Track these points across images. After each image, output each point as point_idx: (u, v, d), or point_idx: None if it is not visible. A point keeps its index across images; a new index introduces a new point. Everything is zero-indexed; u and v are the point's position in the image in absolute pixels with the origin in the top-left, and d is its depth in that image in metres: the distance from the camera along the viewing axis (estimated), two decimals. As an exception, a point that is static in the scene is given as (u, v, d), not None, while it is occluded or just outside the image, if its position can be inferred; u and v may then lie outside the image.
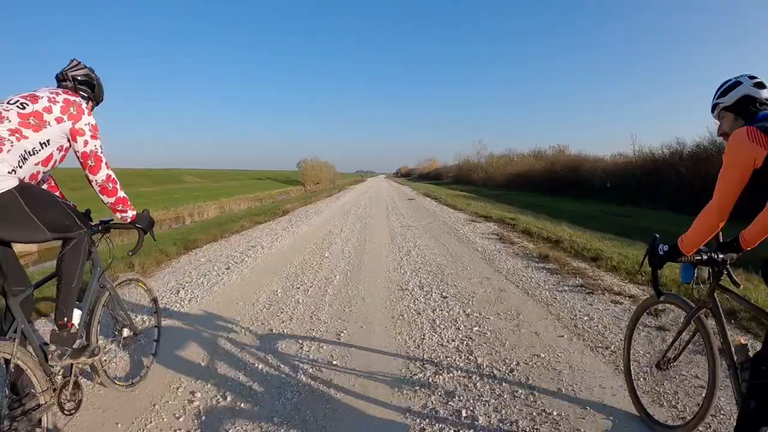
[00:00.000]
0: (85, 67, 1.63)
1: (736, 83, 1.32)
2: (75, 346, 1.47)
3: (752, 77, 1.31)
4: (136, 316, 2.34)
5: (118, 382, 1.81)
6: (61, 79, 1.58)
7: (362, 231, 7.07)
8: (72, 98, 1.48)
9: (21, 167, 1.31)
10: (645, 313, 1.89)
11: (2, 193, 1.24)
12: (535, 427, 1.64)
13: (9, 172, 1.26)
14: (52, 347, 1.43)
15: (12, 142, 1.29)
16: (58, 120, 1.41)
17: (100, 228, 1.71)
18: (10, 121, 1.31)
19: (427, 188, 26.17)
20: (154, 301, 2.14)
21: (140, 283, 2.06)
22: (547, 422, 1.67)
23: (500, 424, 1.66)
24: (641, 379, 1.94)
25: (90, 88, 1.63)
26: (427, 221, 8.60)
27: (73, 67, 1.60)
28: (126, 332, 1.85)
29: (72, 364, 1.47)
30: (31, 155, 1.34)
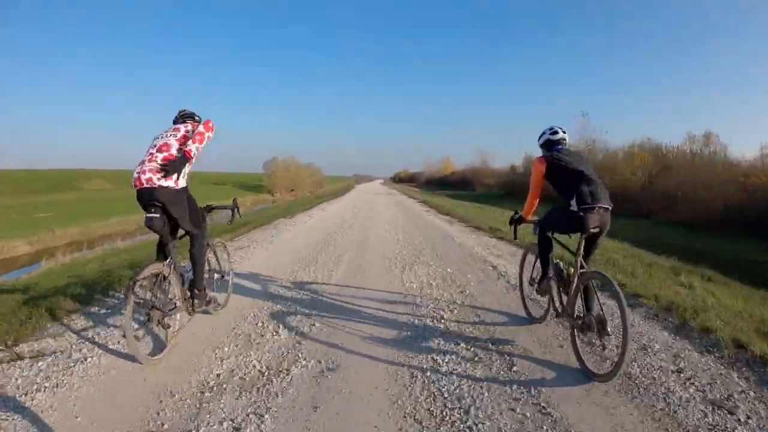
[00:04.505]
0: (191, 111, 3.28)
1: (542, 134, 3.16)
2: (207, 299, 3.25)
3: (551, 128, 3.14)
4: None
5: (216, 309, 3.55)
6: (177, 120, 3.21)
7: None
8: (193, 122, 3.17)
9: (184, 174, 2.93)
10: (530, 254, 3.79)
11: (181, 188, 2.89)
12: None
13: (182, 177, 2.91)
14: (196, 301, 3.16)
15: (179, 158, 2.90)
16: (190, 132, 3.03)
17: (206, 209, 3.39)
18: (173, 146, 2.91)
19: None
20: (228, 257, 3.91)
21: (221, 245, 3.83)
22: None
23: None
24: (526, 291, 3.81)
25: (193, 118, 3.27)
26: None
27: (182, 113, 3.24)
28: (216, 276, 3.59)
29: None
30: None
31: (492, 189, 47.64)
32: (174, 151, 2.90)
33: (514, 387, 2.59)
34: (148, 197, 2.80)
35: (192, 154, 2.92)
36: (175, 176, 2.85)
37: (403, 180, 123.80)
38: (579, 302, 2.90)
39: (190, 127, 3.09)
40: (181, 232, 3.15)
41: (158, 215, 2.82)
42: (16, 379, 2.55)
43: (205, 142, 3.02)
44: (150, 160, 2.85)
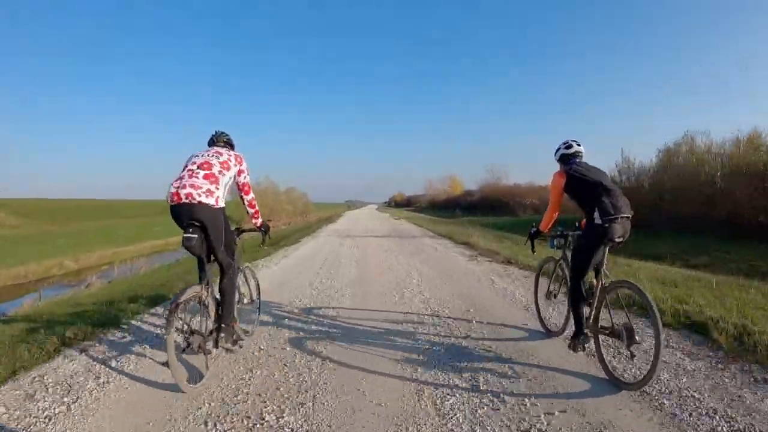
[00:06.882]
0: (227, 134, 3.77)
1: (558, 149, 3.70)
2: (234, 337, 3.56)
3: (565, 143, 3.68)
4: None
5: (245, 335, 3.90)
6: (216, 141, 3.70)
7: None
8: (234, 153, 3.59)
9: (223, 194, 3.32)
10: (545, 266, 4.43)
11: (221, 207, 3.24)
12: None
13: (221, 197, 3.27)
14: (222, 335, 3.41)
15: (220, 178, 3.31)
16: (234, 165, 3.48)
17: (237, 232, 3.82)
18: (215, 166, 3.33)
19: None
20: (257, 283, 4.35)
21: (251, 270, 4.25)
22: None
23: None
24: (542, 305, 4.47)
25: (231, 144, 3.78)
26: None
27: (219, 134, 3.73)
28: (246, 300, 4.04)
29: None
30: (225, 184, 3.38)
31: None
32: (215, 171, 3.27)
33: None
34: (187, 215, 3.09)
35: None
36: (216, 194, 3.18)
37: (399, 204, 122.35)
38: (603, 311, 3.33)
39: (233, 158, 3.50)
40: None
41: (196, 236, 3.07)
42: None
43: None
44: (191, 176, 3.17)
